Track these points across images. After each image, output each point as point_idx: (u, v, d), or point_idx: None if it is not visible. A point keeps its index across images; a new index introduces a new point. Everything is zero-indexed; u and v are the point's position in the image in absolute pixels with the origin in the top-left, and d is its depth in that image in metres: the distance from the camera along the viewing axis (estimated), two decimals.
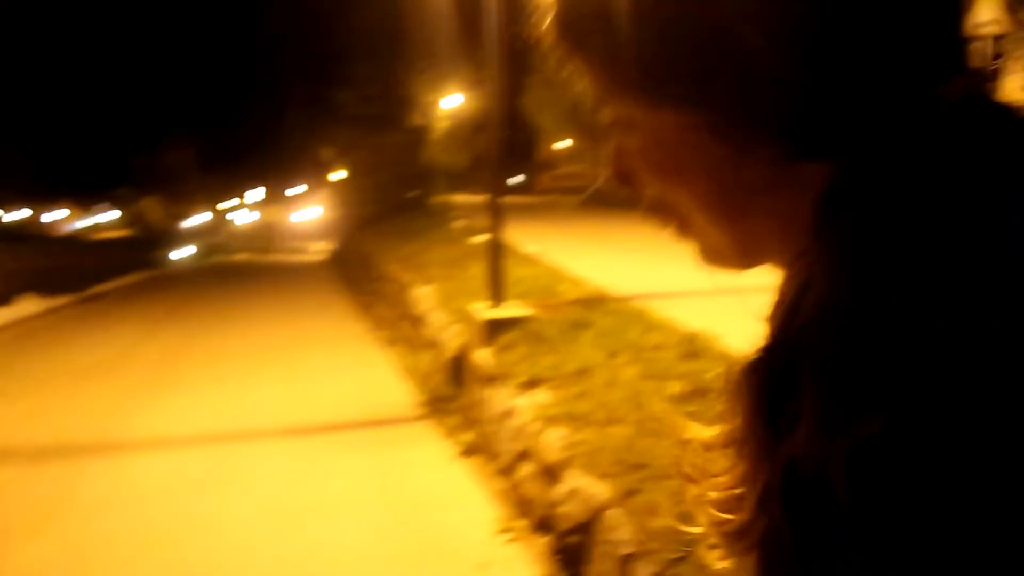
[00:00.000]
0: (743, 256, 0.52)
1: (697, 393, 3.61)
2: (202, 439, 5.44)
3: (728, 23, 0.43)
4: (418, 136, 24.10)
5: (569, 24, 0.50)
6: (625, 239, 11.73)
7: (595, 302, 5.82)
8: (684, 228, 0.52)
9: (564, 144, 36.63)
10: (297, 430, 5.53)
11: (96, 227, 48.21)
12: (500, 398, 4.54)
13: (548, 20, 0.52)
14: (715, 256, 0.53)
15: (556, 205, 23.07)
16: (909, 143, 0.43)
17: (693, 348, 4.39)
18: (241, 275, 20.35)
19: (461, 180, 25.71)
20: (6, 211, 46.70)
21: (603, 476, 3.07)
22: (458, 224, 14.09)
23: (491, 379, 4.79)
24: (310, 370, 7.29)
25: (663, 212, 0.53)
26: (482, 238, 8.92)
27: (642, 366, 4.13)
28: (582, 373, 4.26)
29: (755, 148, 0.45)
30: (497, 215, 5.65)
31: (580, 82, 0.53)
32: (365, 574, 3.55)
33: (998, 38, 9.03)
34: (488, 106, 5.74)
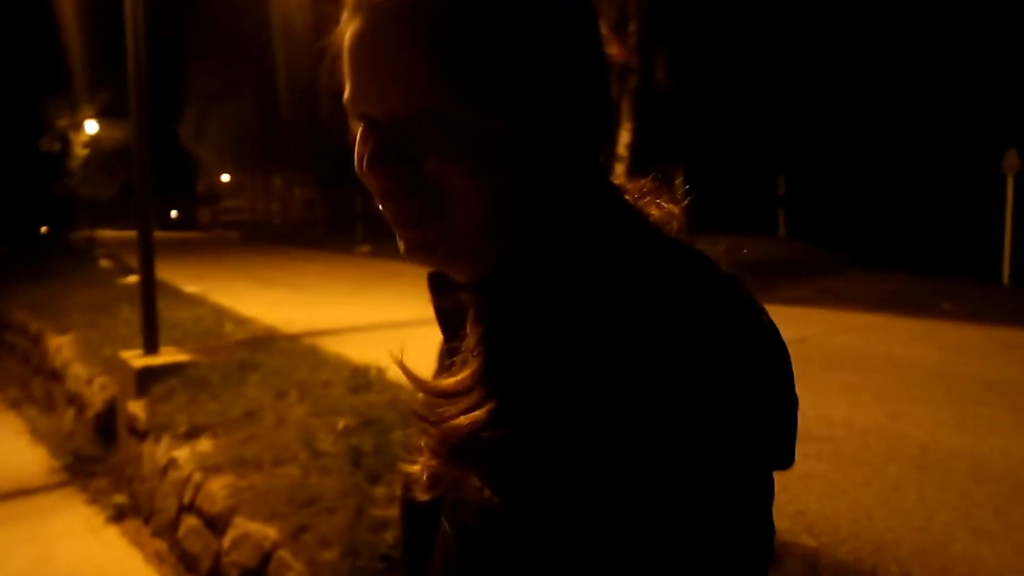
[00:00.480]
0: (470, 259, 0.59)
1: (365, 425, 3.72)
2: None
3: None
4: (53, 164, 21.16)
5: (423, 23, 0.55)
6: (294, 276, 11.54)
7: (263, 342, 5.65)
8: (430, 220, 0.58)
9: (227, 177, 34.89)
10: None
11: None
12: (157, 452, 4.18)
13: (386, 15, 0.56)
14: (444, 255, 0.59)
15: (220, 241, 21.83)
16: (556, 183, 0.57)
17: (363, 381, 4.50)
18: None
19: (108, 214, 23.14)
20: None
21: (272, 518, 3.01)
22: (105, 263, 12.65)
23: (146, 432, 4.40)
24: None
25: (413, 200, 0.58)
26: (134, 278, 8.13)
27: (311, 404, 4.12)
28: (249, 416, 4.11)
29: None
30: (148, 253, 5.22)
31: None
32: None
33: None
34: (133, 133, 5.26)
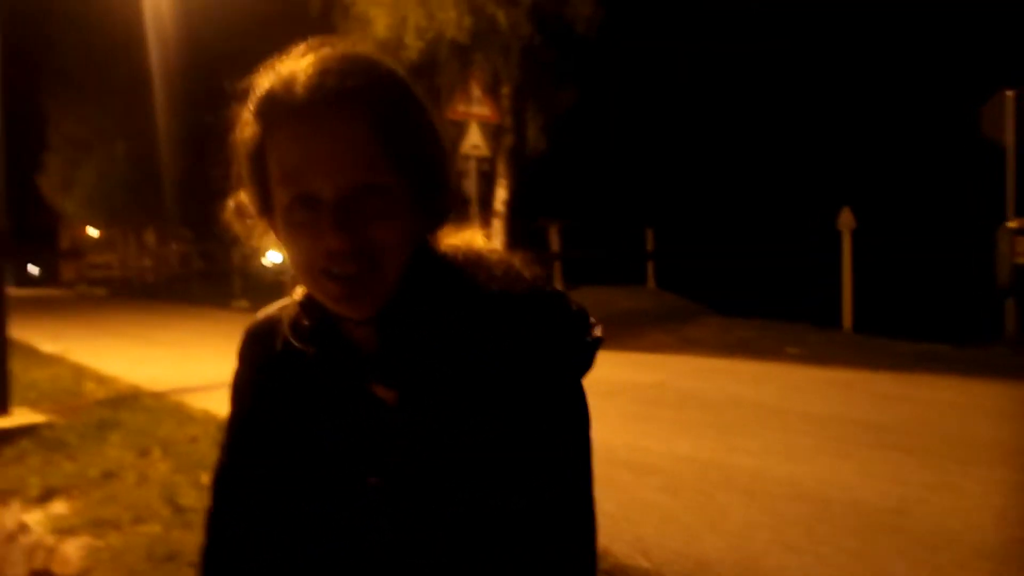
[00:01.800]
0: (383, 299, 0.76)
1: None
2: None
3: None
4: None
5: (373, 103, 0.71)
6: (165, 332, 11.15)
7: (126, 400, 5.50)
8: (368, 272, 0.73)
9: (94, 231, 33.14)
10: None
11: None
12: (7, 517, 4.00)
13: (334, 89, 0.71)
14: (370, 298, 0.75)
15: (85, 297, 20.69)
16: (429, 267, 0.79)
17: None
18: None
19: None
20: None
21: None
22: None
23: None
24: None
25: (358, 257, 0.72)
26: None
27: (176, 460, 4.09)
28: (108, 476, 4.03)
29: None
30: (2, 307, 5.02)
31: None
32: None
33: (481, 159, 11.16)
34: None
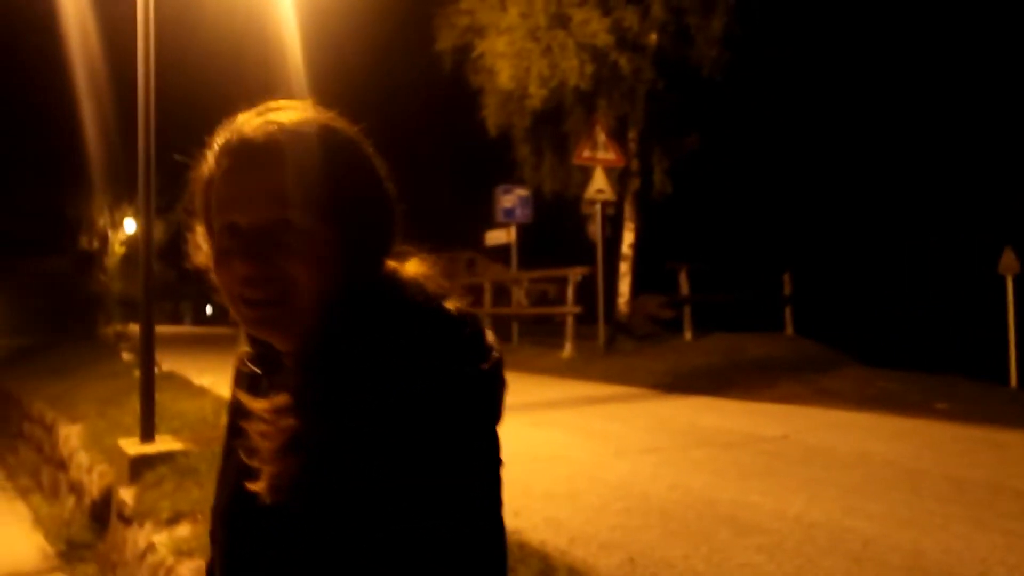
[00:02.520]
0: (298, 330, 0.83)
1: None
2: None
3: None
4: (88, 261, 22.11)
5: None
6: None
7: None
8: (278, 302, 0.81)
9: None
10: None
11: None
12: (140, 537, 4.35)
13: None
14: (283, 327, 0.83)
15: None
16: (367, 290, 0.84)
17: None
18: None
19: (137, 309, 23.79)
20: None
21: None
22: (127, 356, 13.07)
23: (131, 519, 4.58)
24: None
25: (267, 285, 0.81)
26: (158, 370, 8.46)
27: None
28: None
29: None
30: (149, 346, 5.53)
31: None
32: None
33: (606, 203, 11.15)
34: (141, 232, 5.63)
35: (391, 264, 0.89)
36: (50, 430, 7.96)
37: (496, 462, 0.82)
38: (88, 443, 6.43)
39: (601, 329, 11.34)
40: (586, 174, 11.44)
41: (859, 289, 14.33)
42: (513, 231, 13.76)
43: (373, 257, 0.87)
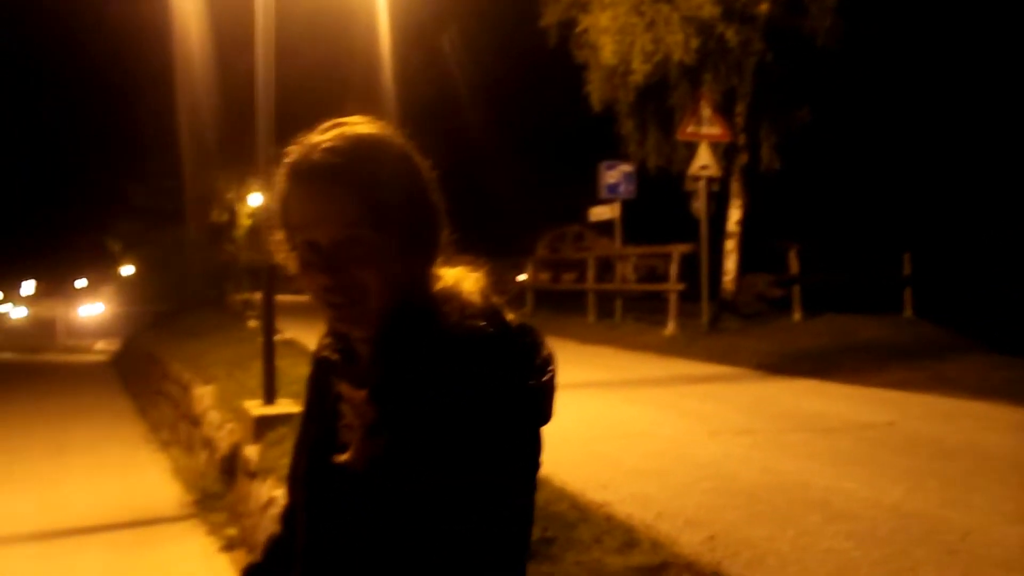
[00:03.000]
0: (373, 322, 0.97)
1: None
2: None
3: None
4: (219, 232, 23.60)
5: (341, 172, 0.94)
6: None
7: None
8: (351, 304, 0.95)
9: None
10: (53, 534, 5.36)
11: None
12: (262, 491, 4.78)
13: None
14: (358, 323, 0.97)
15: None
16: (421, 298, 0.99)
17: None
18: (5, 375, 18.53)
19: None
20: None
21: None
22: (253, 323, 13.97)
23: (255, 473, 5.02)
24: (74, 475, 7.00)
25: (343, 291, 0.94)
26: (277, 337, 9.07)
27: None
28: None
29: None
30: (269, 315, 5.98)
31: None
32: None
33: (711, 179, 10.90)
34: (264, 199, 6.04)
35: (449, 273, 1.02)
36: (186, 389, 8.71)
37: (534, 460, 0.97)
38: (218, 403, 7.02)
39: (705, 307, 11.15)
40: (691, 149, 11.22)
41: (990, 270, 13.40)
42: (617, 207, 13.63)
43: (426, 256, 1.01)
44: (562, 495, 3.68)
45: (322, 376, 1.09)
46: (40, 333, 34.44)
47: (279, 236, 1.03)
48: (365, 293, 0.96)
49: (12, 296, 47.12)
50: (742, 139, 11.58)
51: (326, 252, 0.95)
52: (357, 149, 0.97)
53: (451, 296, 0.99)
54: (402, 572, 0.90)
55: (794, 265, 11.48)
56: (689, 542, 3.21)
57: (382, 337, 0.98)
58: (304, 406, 1.15)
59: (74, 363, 22.40)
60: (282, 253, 1.04)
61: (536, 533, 3.25)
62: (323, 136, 0.98)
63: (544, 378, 0.96)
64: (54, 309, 37.28)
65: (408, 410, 0.91)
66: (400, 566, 0.91)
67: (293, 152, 1.00)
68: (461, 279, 1.02)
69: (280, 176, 1.01)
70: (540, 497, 3.38)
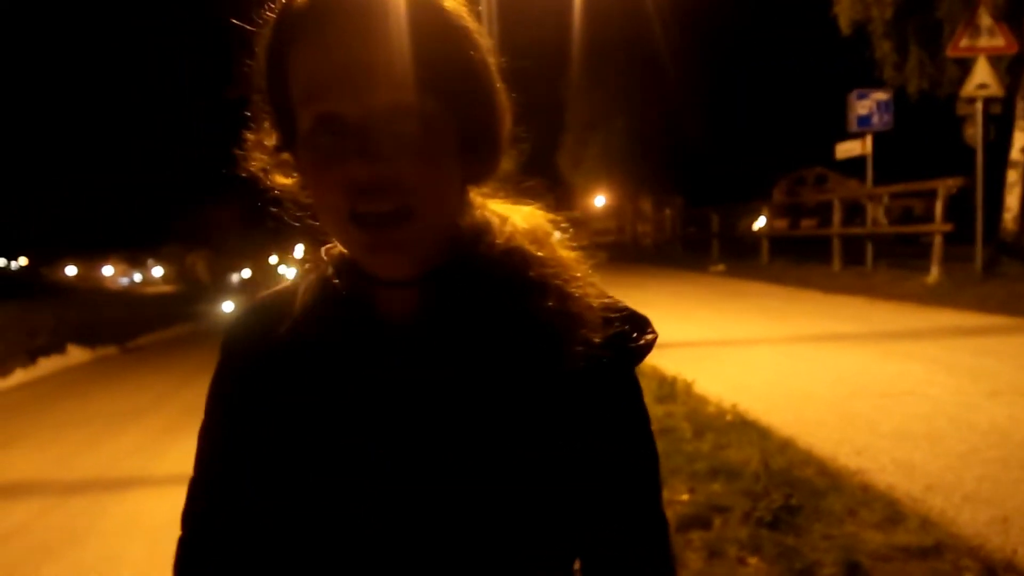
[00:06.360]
0: (422, 257, 0.68)
1: (660, 432, 3.86)
2: None
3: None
4: None
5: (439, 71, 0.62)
6: (641, 292, 11.97)
7: None
8: (402, 215, 0.63)
9: (601, 200, 37.19)
10: None
11: (145, 282, 50.05)
12: None
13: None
14: (407, 249, 0.65)
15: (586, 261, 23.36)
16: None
17: (667, 392, 4.66)
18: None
19: None
20: (54, 266, 48.77)
21: None
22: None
23: None
24: None
25: (390, 193, 0.61)
26: None
27: None
28: None
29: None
30: None
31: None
32: None
33: (990, 100, 9.26)
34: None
35: (491, 203, 0.76)
36: None
37: None
38: None
39: (979, 250, 9.73)
40: (964, 68, 9.66)
41: None
42: (869, 141, 12.34)
43: (487, 165, 0.70)
44: (808, 459, 3.26)
45: (286, 365, 0.73)
46: None
47: (264, 128, 0.70)
48: (418, 201, 0.62)
49: (287, 259, 53.36)
50: None
51: (356, 131, 0.61)
52: None
53: (526, 234, 0.73)
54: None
55: None
56: (971, 522, 2.66)
57: (442, 273, 0.69)
58: (214, 418, 0.79)
59: None
60: (259, 157, 0.72)
61: (779, 500, 2.88)
62: None
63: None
64: None
65: (486, 376, 0.68)
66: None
67: None
68: (531, 218, 0.75)
69: (272, 24, 0.65)
70: (782, 460, 3.00)
